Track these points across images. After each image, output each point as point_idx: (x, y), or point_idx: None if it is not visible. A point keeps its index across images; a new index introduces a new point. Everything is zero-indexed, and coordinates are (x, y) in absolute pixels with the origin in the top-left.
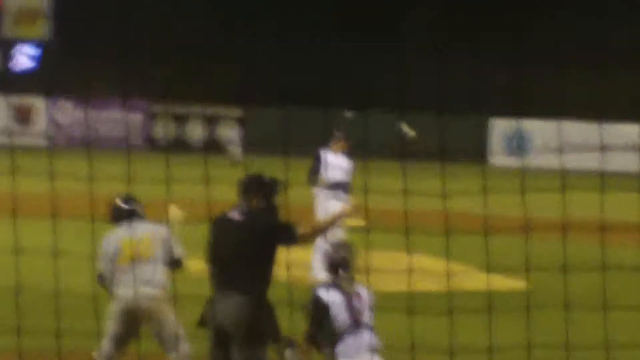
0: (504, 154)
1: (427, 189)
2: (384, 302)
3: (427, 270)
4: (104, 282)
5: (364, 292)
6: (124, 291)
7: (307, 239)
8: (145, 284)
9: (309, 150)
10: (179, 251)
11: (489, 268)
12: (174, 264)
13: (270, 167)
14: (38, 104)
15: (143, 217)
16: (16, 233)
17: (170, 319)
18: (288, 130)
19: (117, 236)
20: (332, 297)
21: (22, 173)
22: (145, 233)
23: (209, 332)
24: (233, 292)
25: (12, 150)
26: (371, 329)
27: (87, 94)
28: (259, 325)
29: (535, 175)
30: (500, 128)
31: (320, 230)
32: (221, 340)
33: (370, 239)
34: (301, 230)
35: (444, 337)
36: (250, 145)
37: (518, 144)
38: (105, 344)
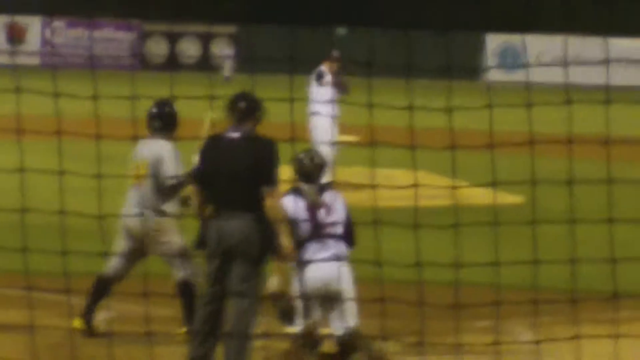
0: (499, 70)
1: (427, 106)
2: (387, 218)
3: (430, 186)
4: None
5: (337, 204)
6: (125, 210)
7: (275, 203)
8: (140, 206)
9: (301, 68)
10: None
11: (493, 184)
12: (169, 188)
13: (262, 84)
14: (32, 23)
15: (164, 131)
16: (21, 154)
17: (173, 240)
18: (285, 47)
19: (136, 151)
20: (297, 206)
21: (22, 93)
22: (146, 154)
23: (208, 252)
24: (237, 210)
25: (14, 70)
26: (340, 238)
27: (83, 14)
28: (265, 240)
29: (533, 91)
30: (494, 44)
31: (278, 222)
32: (223, 260)
33: (373, 156)
34: (277, 194)
35: (448, 253)
36: (243, 63)
37: (512, 60)
38: (113, 259)
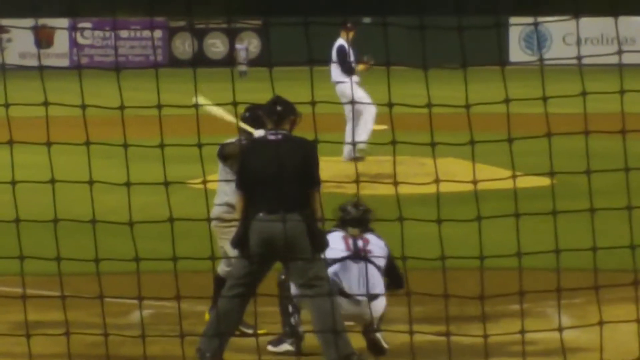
0: (524, 53)
1: (450, 93)
2: (412, 205)
3: (453, 173)
4: None
5: (377, 241)
6: None
7: (315, 203)
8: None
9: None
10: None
11: (514, 167)
12: None
13: (283, 77)
14: (59, 27)
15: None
16: (50, 158)
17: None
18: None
19: None
20: (334, 234)
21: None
22: None
23: (247, 252)
24: (283, 212)
25: (41, 72)
26: (378, 268)
27: (108, 15)
28: (315, 238)
29: (555, 72)
30: (518, 27)
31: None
32: (263, 261)
33: (396, 145)
34: (319, 196)
35: (474, 239)
36: (268, 56)
37: (537, 43)
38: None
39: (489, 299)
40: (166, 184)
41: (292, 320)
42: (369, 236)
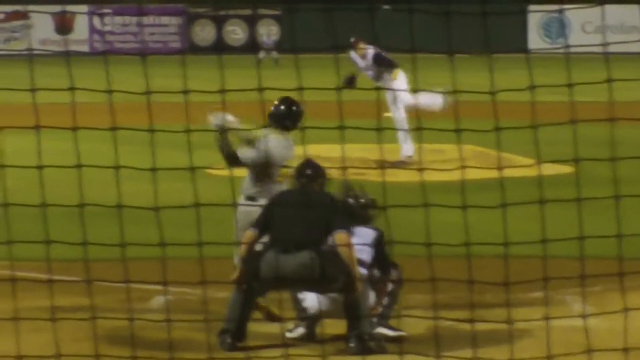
0: (544, 41)
1: (472, 81)
2: (433, 192)
3: (473, 160)
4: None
5: (362, 233)
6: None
7: (341, 247)
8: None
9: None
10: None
11: (538, 155)
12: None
13: (307, 64)
14: (79, 13)
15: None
16: (76, 144)
17: None
18: (331, 28)
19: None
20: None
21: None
22: None
23: (253, 280)
24: (296, 251)
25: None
26: (362, 263)
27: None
28: (331, 266)
29: (575, 60)
30: (538, 15)
31: (348, 262)
32: (266, 287)
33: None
34: (345, 237)
35: (496, 227)
36: (287, 43)
37: (556, 31)
38: None
39: (512, 286)
40: (192, 169)
41: (303, 303)
42: (358, 230)
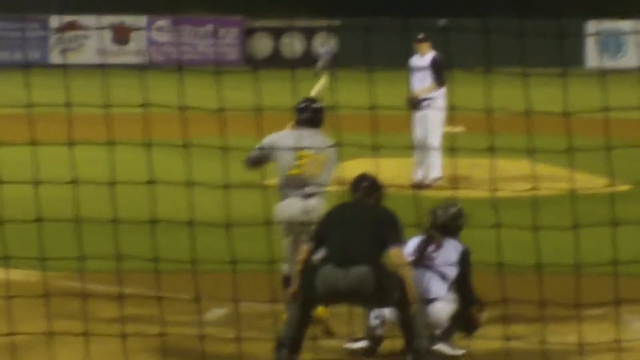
0: (601, 57)
1: (538, 95)
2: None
3: (532, 176)
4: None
5: (450, 246)
6: (285, 202)
7: (396, 261)
8: (305, 195)
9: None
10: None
11: (611, 175)
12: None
13: (352, 77)
14: (137, 24)
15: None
16: (111, 158)
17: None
18: (372, 42)
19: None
20: (413, 240)
21: (116, 93)
22: (311, 145)
23: (309, 294)
24: (353, 265)
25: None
26: (442, 277)
27: (181, 12)
28: (387, 285)
29: (632, 78)
30: (594, 30)
31: (404, 280)
32: (323, 302)
33: (470, 145)
34: (401, 254)
35: (568, 245)
36: (341, 57)
37: (614, 46)
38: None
39: (583, 305)
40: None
41: (371, 322)
42: (447, 242)
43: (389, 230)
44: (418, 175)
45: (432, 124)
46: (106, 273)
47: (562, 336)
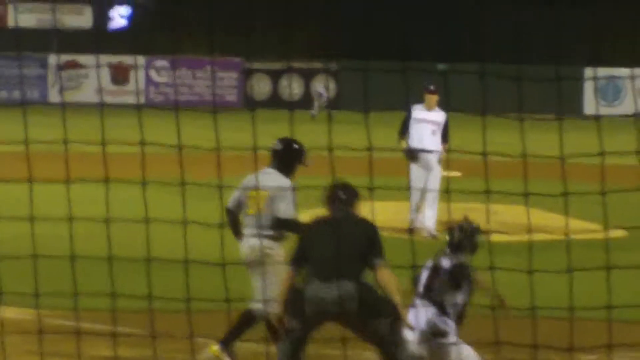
0: (599, 104)
1: (536, 142)
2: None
3: (527, 222)
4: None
5: (461, 280)
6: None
7: (383, 279)
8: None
9: (397, 104)
10: (283, 211)
11: (606, 222)
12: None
13: (352, 121)
14: (136, 63)
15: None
16: (107, 197)
17: (276, 272)
18: (370, 85)
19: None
20: (428, 263)
21: (115, 134)
22: (267, 186)
23: (297, 319)
24: (338, 280)
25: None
26: (438, 304)
27: (179, 53)
28: (375, 301)
29: (628, 124)
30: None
31: (391, 293)
32: (312, 324)
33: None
34: (386, 268)
35: (563, 290)
36: (340, 100)
37: (614, 93)
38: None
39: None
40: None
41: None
42: (452, 267)
43: (371, 244)
44: (416, 218)
45: (434, 173)
46: (100, 312)
47: None
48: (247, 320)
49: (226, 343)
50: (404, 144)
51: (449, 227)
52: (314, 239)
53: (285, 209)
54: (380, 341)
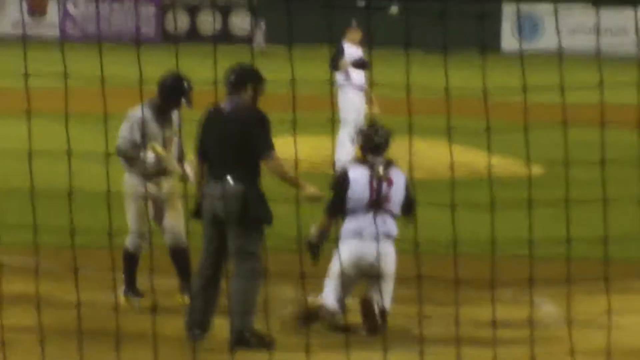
0: (516, 40)
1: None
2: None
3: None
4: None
5: (399, 179)
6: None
7: (279, 172)
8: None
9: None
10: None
11: (529, 158)
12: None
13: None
14: None
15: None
16: (29, 132)
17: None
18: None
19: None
20: (359, 175)
21: (34, 68)
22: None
23: (204, 222)
24: (224, 180)
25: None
26: (393, 216)
27: None
28: (252, 210)
29: (550, 60)
30: (510, 14)
31: (292, 181)
32: (215, 229)
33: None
34: (279, 159)
35: (485, 230)
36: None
37: (530, 30)
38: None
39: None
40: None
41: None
42: (393, 174)
43: (257, 138)
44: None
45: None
46: (19, 246)
47: (475, 316)
48: (126, 258)
49: (127, 289)
50: (344, 65)
51: (361, 132)
52: (206, 133)
53: (120, 136)
54: (236, 250)
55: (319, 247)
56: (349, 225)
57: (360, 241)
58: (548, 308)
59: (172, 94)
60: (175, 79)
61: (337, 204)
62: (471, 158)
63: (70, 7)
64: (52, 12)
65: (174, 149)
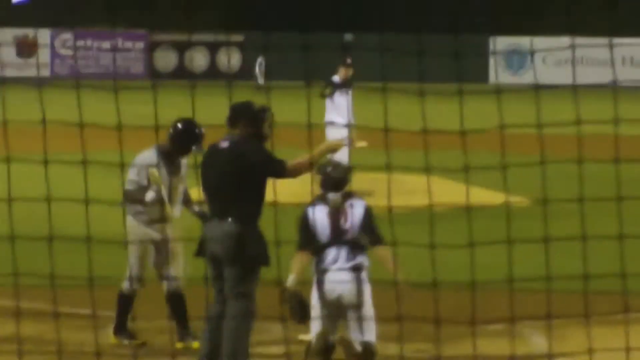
0: (505, 72)
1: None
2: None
3: (436, 191)
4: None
5: (357, 208)
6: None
7: (298, 171)
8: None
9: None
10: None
11: (506, 189)
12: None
13: (286, 90)
14: (41, 36)
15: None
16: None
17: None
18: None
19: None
20: (318, 212)
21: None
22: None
23: (206, 262)
24: (223, 218)
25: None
26: (359, 247)
27: (85, 26)
28: (247, 250)
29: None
30: (499, 46)
31: (311, 162)
32: (216, 268)
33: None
34: (290, 163)
35: (462, 254)
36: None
37: (518, 62)
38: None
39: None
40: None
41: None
42: (352, 204)
43: (254, 166)
44: None
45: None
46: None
47: (459, 351)
48: (121, 300)
49: (118, 329)
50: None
51: (321, 169)
52: (205, 171)
53: (127, 180)
54: (230, 289)
55: (298, 297)
56: (318, 262)
57: (329, 276)
58: (537, 340)
59: (183, 140)
60: (187, 125)
61: (306, 240)
62: (453, 190)
63: (60, 48)
64: (41, 53)
65: (179, 196)
